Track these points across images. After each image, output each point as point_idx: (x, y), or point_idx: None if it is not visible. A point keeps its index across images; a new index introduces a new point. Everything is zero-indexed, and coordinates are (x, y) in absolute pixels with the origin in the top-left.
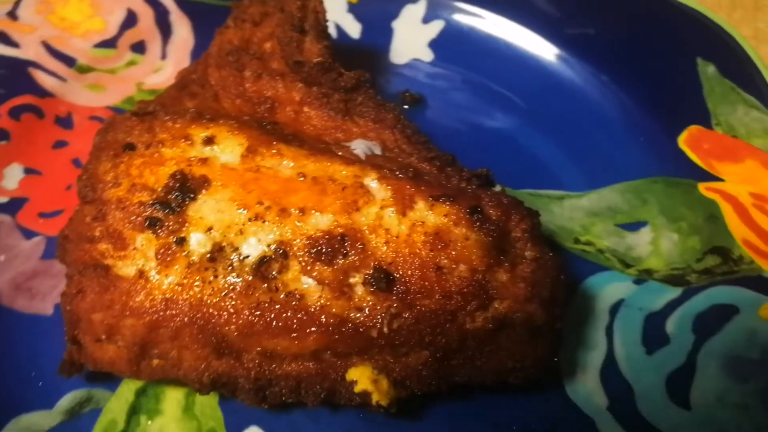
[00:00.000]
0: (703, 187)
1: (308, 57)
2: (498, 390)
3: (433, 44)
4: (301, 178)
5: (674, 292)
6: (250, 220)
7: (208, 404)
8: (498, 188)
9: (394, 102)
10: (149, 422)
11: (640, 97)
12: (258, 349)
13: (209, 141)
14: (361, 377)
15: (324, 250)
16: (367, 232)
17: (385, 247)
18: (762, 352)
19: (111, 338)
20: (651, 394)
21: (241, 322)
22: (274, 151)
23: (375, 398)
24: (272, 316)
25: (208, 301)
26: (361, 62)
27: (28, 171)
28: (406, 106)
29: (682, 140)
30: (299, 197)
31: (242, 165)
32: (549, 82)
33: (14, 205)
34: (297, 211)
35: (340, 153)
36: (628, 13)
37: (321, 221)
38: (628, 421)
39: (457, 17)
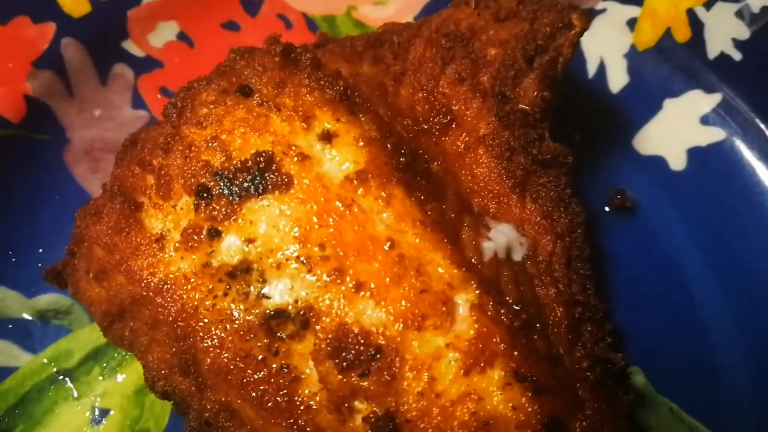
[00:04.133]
0: None
1: (518, 98)
2: None
3: (695, 153)
4: (387, 246)
5: None
6: (297, 259)
7: (160, 404)
8: (637, 376)
9: (600, 194)
10: (99, 378)
11: None
12: (222, 398)
13: (327, 137)
14: None
15: (347, 353)
16: (408, 364)
17: (415, 399)
18: None
19: (99, 280)
20: None
21: (220, 359)
22: (383, 193)
23: None
24: (254, 377)
25: (201, 316)
26: (595, 124)
27: (182, 36)
28: (608, 208)
29: None
30: (367, 269)
31: (338, 188)
32: None
33: (145, 65)
34: (352, 284)
35: (464, 236)
36: None
37: (369, 314)
38: None
39: (744, 141)
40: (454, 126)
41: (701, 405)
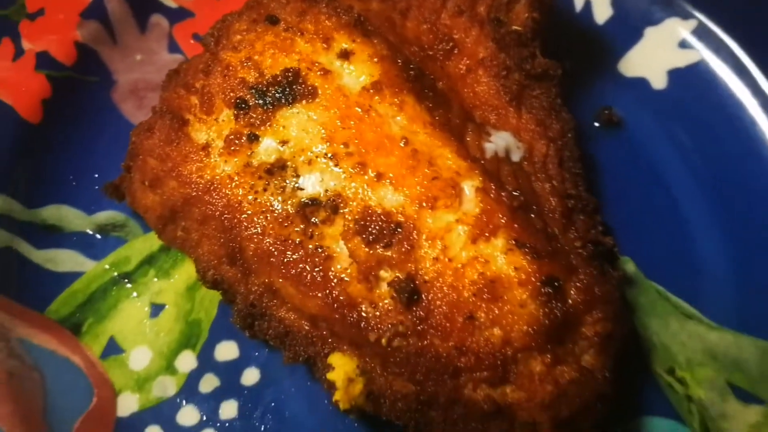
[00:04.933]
0: None
1: (511, 21)
2: None
3: (674, 74)
4: (402, 143)
5: None
6: (325, 156)
7: (209, 297)
8: (628, 264)
9: (589, 111)
10: (155, 279)
11: None
12: (266, 279)
13: (345, 55)
14: (340, 368)
15: (372, 228)
16: (424, 235)
17: (431, 263)
18: None
19: (153, 188)
20: None
21: (262, 245)
22: (396, 99)
23: (336, 396)
24: (292, 257)
25: (244, 209)
26: (584, 50)
27: None
28: (597, 123)
29: None
30: (386, 161)
31: (357, 96)
32: None
33: (178, 15)
34: (374, 174)
35: (468, 138)
36: None
37: (389, 198)
38: None
39: (718, 61)
40: (456, 52)
41: (684, 286)
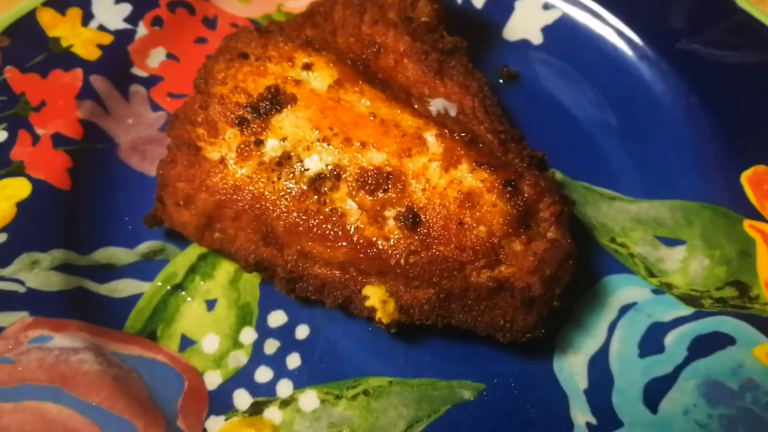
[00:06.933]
0: (747, 224)
1: (418, 15)
2: (490, 342)
3: (546, 30)
4: (372, 117)
5: (685, 310)
6: (318, 140)
7: (250, 282)
8: (556, 174)
9: (492, 73)
10: (201, 282)
11: (722, 126)
12: (297, 247)
13: (307, 67)
14: (374, 295)
15: (370, 182)
16: (410, 176)
17: (421, 194)
18: (741, 385)
19: (187, 205)
20: (628, 390)
21: (289, 221)
22: (357, 88)
23: (379, 315)
24: (315, 223)
25: (267, 197)
26: (474, 30)
27: (170, 56)
28: (501, 80)
29: (746, 176)
30: (364, 132)
31: (327, 93)
32: (641, 91)
33: (151, 81)
34: (358, 144)
35: (416, 105)
36: (743, 51)
37: (375, 157)
38: (598, 406)
39: (576, 11)
40: (382, 52)
41: (602, 178)
